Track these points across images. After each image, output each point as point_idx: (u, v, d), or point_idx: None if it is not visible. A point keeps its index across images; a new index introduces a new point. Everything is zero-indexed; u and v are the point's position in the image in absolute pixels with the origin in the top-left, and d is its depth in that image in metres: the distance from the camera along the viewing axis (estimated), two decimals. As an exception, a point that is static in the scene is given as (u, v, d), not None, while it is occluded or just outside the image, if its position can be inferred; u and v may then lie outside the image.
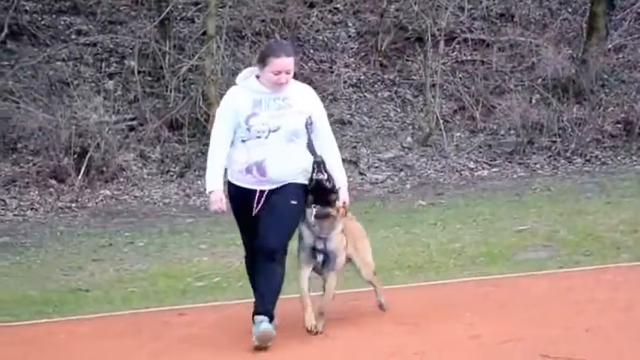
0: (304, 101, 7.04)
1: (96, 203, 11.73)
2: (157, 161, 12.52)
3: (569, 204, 10.90)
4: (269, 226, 6.96)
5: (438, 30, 13.40)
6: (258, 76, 6.98)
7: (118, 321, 8.05)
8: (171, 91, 12.97)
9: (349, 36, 14.86)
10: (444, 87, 13.60)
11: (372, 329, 7.17)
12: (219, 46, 12.97)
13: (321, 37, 14.52)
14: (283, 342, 6.85)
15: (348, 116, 13.90)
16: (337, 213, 7.01)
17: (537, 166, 12.49)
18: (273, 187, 6.94)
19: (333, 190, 6.96)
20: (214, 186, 7.01)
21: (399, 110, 14.00)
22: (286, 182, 6.97)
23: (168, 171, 12.41)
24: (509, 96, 13.39)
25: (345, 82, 14.25)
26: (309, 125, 7.00)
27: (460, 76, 13.75)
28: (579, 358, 6.31)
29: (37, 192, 11.68)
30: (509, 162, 12.57)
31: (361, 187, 12.58)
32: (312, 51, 14.45)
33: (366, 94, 14.34)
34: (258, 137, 6.91)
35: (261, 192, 6.95)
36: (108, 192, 11.95)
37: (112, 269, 9.45)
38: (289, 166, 6.97)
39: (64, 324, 7.93)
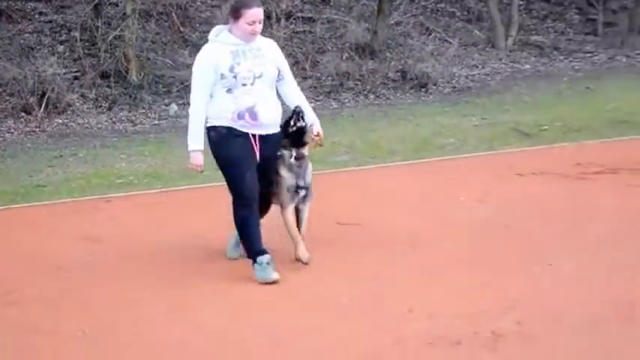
0: (272, 52, 5.62)
1: (52, 128, 11.54)
2: (93, 100, 12.39)
3: (364, 125, 10.95)
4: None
5: (280, 11, 13.31)
6: (229, 31, 5.50)
7: (65, 206, 8.07)
8: (102, 53, 12.82)
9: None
10: (285, 49, 13.54)
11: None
12: (134, 22, 12.89)
13: (203, 16, 14.33)
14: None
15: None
16: (313, 148, 5.83)
17: (346, 100, 12.53)
18: (263, 132, 5.51)
19: (307, 134, 5.68)
20: (197, 146, 5.52)
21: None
22: (272, 129, 5.57)
23: (100, 106, 12.29)
24: (328, 54, 13.40)
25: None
26: (279, 76, 5.61)
27: (295, 41, 13.67)
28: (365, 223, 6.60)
29: (12, 121, 11.55)
30: (328, 98, 12.57)
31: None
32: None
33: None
34: (244, 85, 5.40)
35: (253, 136, 5.48)
36: (60, 121, 11.84)
37: (61, 172, 9.35)
38: (275, 112, 5.59)
39: (30, 208, 7.92)
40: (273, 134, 5.58)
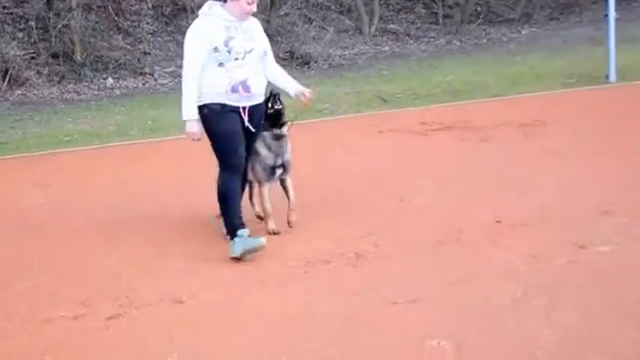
0: (259, 30, 4.85)
1: (13, 98, 11.26)
2: (46, 75, 12.01)
3: None
4: None
5: (194, 4, 12.87)
6: (222, 7, 4.65)
7: (24, 158, 7.80)
8: (53, 38, 12.32)
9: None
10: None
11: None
12: (78, 13, 12.45)
13: (133, 8, 13.79)
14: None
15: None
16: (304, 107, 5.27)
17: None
18: (254, 102, 4.70)
19: (284, 115, 5.02)
20: (192, 115, 4.61)
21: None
22: (260, 99, 4.78)
23: (52, 80, 11.90)
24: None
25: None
26: (263, 55, 4.83)
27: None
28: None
29: (-17, 93, 11.08)
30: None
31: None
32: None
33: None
34: (236, 59, 4.56)
35: (244, 108, 4.65)
36: (20, 92, 11.53)
37: (21, 132, 9.04)
38: (263, 84, 4.81)
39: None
40: (259, 104, 4.79)
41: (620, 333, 3.34)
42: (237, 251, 4.47)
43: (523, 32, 14.86)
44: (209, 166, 6.90)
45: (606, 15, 10.16)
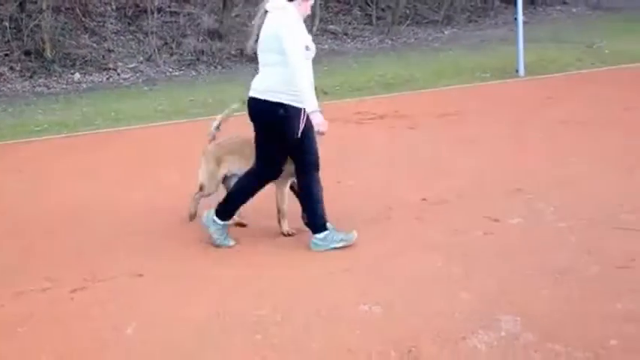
0: None
1: (-9, 91, 10.72)
2: (19, 71, 11.51)
3: (214, 87, 10.41)
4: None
5: (154, 6, 12.57)
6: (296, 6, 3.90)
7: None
8: (25, 37, 11.82)
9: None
10: (157, 33, 12.88)
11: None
12: (48, 14, 12.03)
13: (98, 10, 13.36)
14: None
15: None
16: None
17: (201, 70, 12.03)
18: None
19: None
20: (317, 106, 3.82)
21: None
22: None
23: (24, 75, 11.43)
24: (188, 38, 12.83)
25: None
26: None
27: (165, 28, 13.03)
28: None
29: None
30: (188, 69, 12.08)
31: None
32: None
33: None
34: (307, 58, 3.88)
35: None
36: (-4, 86, 11.00)
37: (-5, 122, 8.71)
38: None
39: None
40: None
41: (527, 294, 3.38)
42: (337, 239, 4.03)
43: (446, 32, 14.94)
44: (168, 150, 6.78)
45: (515, 18, 10.29)
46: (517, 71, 9.87)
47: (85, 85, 11.15)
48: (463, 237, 4.14)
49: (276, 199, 4.32)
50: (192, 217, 4.50)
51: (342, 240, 4.06)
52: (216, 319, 3.33)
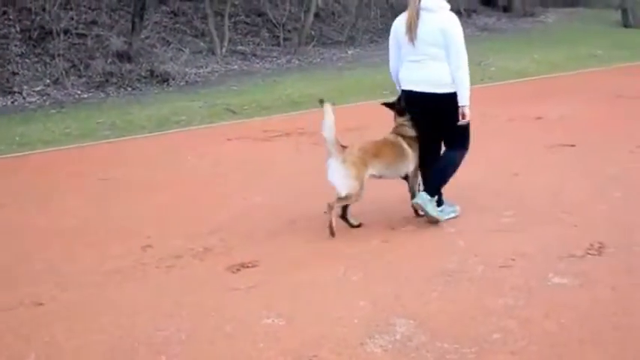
0: None
1: None
2: None
3: (123, 109, 10.17)
4: None
5: (60, 27, 12.12)
6: None
7: None
8: None
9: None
10: (64, 55, 12.45)
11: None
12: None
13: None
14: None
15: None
16: None
17: (110, 92, 11.69)
18: None
19: None
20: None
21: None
22: None
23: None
24: (97, 60, 12.43)
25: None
26: None
27: (72, 50, 12.58)
28: (125, 178, 6.11)
29: None
30: (97, 91, 11.71)
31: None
32: None
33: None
34: None
35: None
36: None
37: None
38: None
39: None
40: None
41: (420, 297, 3.47)
42: (449, 212, 4.45)
43: (349, 52, 15.25)
44: (72, 177, 6.54)
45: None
46: (415, 88, 10.19)
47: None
48: (362, 246, 4.21)
49: (412, 182, 4.54)
50: (334, 231, 4.31)
51: (452, 212, 4.50)
52: (119, 342, 3.22)
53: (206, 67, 13.54)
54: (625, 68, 11.94)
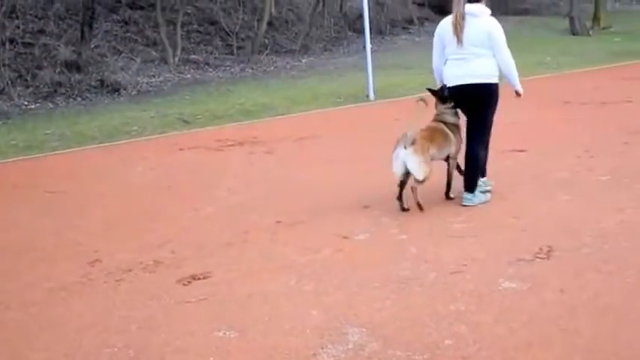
0: None
1: None
2: None
3: (73, 120, 9.94)
4: None
5: (5, 37, 11.80)
6: None
7: None
8: None
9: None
10: (10, 66, 12.13)
11: None
12: None
13: None
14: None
15: None
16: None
17: (59, 102, 11.45)
18: None
19: None
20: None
21: None
22: None
23: None
24: (45, 70, 12.19)
25: None
26: None
27: (19, 60, 12.25)
28: (70, 191, 5.95)
29: None
30: (45, 101, 11.44)
31: None
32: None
33: None
34: None
35: None
36: None
37: None
38: None
39: None
40: None
41: (372, 306, 3.47)
42: (483, 199, 4.92)
43: (303, 61, 15.28)
44: (18, 189, 6.35)
45: (364, 47, 10.72)
46: (367, 96, 10.27)
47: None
48: (314, 255, 4.19)
49: (452, 165, 4.99)
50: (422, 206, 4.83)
51: (485, 193, 4.98)
52: None
53: (158, 77, 13.39)
54: (573, 74, 12.28)
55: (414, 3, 20.07)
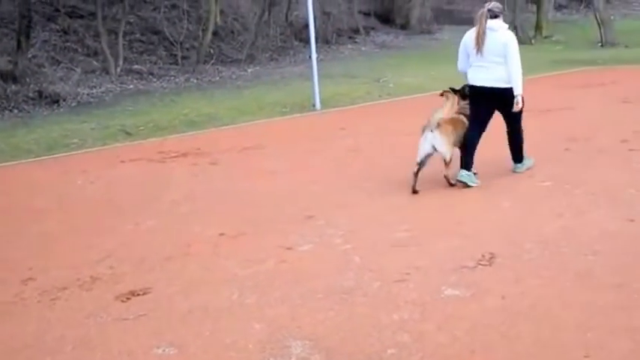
0: None
1: None
2: None
3: (7, 133, 9.67)
4: None
5: None
6: None
7: None
8: None
9: None
10: None
11: None
12: None
13: None
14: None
15: None
16: None
17: None
18: None
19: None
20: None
21: None
22: None
23: None
24: None
25: None
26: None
27: None
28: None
29: None
30: None
31: None
32: None
33: None
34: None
35: None
36: None
37: None
38: None
39: None
40: None
41: (316, 317, 3.44)
42: (528, 164, 5.97)
43: (249, 70, 15.22)
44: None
45: (309, 56, 10.74)
46: (314, 105, 10.29)
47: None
48: (257, 267, 4.14)
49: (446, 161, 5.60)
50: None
51: (527, 168, 5.98)
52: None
53: (100, 87, 13.11)
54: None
55: (360, 12, 20.26)
